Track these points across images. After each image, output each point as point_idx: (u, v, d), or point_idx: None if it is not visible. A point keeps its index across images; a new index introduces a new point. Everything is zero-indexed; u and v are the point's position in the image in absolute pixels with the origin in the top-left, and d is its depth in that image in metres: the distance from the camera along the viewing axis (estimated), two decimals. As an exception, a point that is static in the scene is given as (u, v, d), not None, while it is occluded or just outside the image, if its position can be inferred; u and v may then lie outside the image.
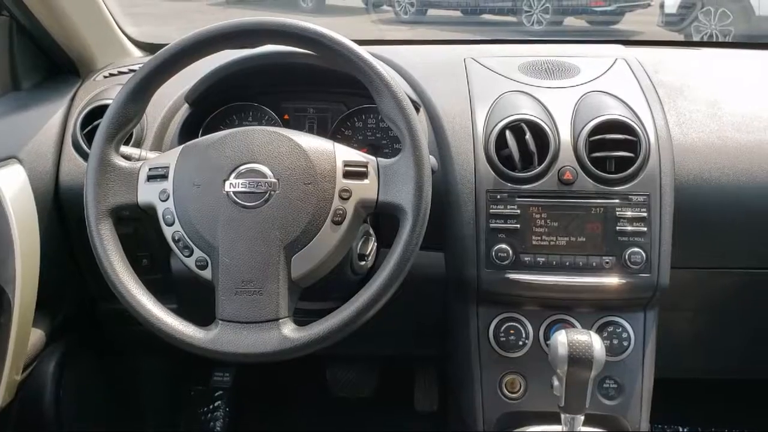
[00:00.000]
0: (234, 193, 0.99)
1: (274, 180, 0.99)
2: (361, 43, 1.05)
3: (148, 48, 1.66)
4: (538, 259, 1.17)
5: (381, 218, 1.22)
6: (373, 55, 1.04)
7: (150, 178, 1.03)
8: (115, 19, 1.57)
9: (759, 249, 1.28)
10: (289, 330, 0.97)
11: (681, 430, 2.00)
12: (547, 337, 1.21)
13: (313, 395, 2.05)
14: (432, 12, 8.37)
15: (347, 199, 1.00)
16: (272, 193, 0.98)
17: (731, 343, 1.49)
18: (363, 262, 1.16)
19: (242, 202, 0.98)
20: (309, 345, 0.96)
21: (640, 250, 1.15)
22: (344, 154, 1.03)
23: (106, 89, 1.38)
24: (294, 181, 0.99)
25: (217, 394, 1.98)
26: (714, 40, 6.22)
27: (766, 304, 1.39)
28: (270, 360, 0.97)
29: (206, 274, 1.00)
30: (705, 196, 1.22)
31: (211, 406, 1.96)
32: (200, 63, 1.08)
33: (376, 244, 1.19)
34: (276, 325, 0.96)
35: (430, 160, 1.02)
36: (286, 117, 1.37)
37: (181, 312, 1.02)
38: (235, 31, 1.03)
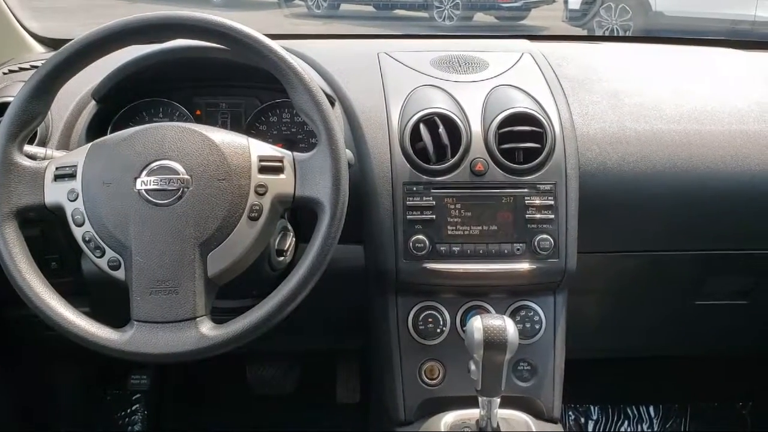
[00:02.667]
0: (146, 191, 0.96)
1: (186, 177, 0.97)
2: (273, 37, 1.04)
3: (52, 44, 1.60)
4: (454, 248, 1.20)
5: (299, 213, 1.22)
6: (286, 49, 1.04)
7: (57, 177, 1.00)
8: (13, 13, 1.50)
9: (659, 232, 1.36)
10: (206, 328, 0.95)
11: (592, 408, 2.09)
12: (463, 324, 1.24)
13: (235, 394, 2.03)
14: (345, 7, 8.38)
15: (263, 194, 0.99)
16: (185, 190, 0.97)
17: (637, 323, 1.57)
18: (281, 258, 1.16)
19: (154, 200, 0.96)
20: (227, 343, 0.96)
21: (549, 237, 1.20)
22: (259, 149, 1.02)
23: (6, 86, 1.32)
24: (207, 178, 0.98)
25: (135, 397, 1.93)
26: (614, 34, 6.49)
27: (667, 285, 1.47)
28: (188, 359, 0.95)
29: (119, 274, 0.97)
30: (607, 183, 1.28)
31: (128, 410, 1.92)
32: (108, 58, 1.05)
33: (294, 239, 1.19)
34: (193, 324, 0.95)
35: (347, 154, 1.03)
36: (198, 113, 1.34)
37: (95, 315, 0.99)
38: (143, 25, 1.01)
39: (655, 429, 2.09)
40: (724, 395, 2.10)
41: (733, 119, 1.35)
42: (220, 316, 0.99)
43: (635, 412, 2.10)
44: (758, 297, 1.50)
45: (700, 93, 1.42)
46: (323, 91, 1.04)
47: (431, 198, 1.20)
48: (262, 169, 1.00)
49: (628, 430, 2.09)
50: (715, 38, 1.83)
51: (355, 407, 1.94)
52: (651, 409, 2.10)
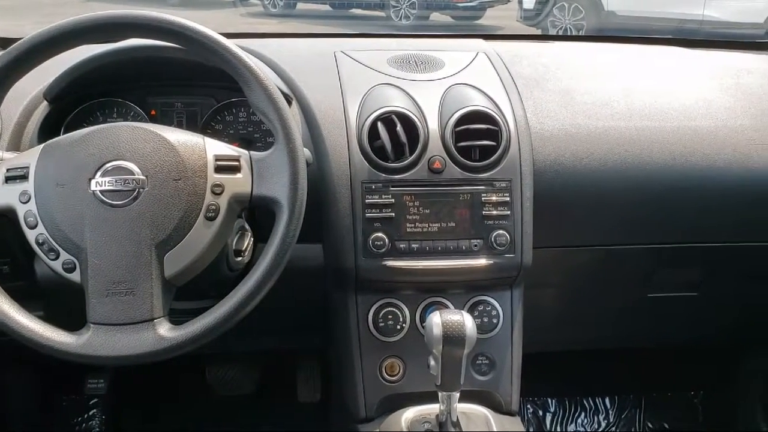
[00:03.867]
0: (101, 191, 0.95)
1: (142, 177, 0.96)
2: (229, 36, 1.04)
3: (0, 43, 1.56)
4: (413, 245, 1.21)
5: (257, 213, 1.22)
6: (242, 48, 1.03)
7: (8, 179, 0.98)
8: (-43, 11, 1.46)
9: (611, 226, 1.39)
10: (164, 329, 0.95)
11: (550, 401, 2.13)
12: (423, 320, 1.25)
13: (194, 396, 2.01)
14: (301, 6, 8.34)
15: (220, 194, 0.99)
16: (141, 190, 0.96)
17: (592, 316, 1.60)
18: (239, 258, 1.15)
19: (110, 201, 0.95)
20: (186, 344, 0.95)
21: (505, 233, 1.22)
22: (215, 148, 1.02)
23: None
24: (163, 178, 0.97)
25: (91, 402, 1.90)
26: (568, 34, 6.59)
27: (620, 278, 1.51)
28: (146, 361, 0.94)
29: (74, 276, 0.96)
30: (561, 179, 1.31)
31: (85, 416, 1.88)
32: (60, 57, 1.04)
33: (252, 239, 1.18)
34: (151, 326, 0.94)
35: (305, 153, 1.03)
36: (153, 113, 1.33)
37: (49, 318, 0.97)
38: (96, 24, 0.99)
39: (611, 420, 2.14)
40: (676, 385, 2.16)
41: (682, 116, 1.39)
42: (178, 318, 0.99)
43: (591, 404, 2.15)
44: (707, 289, 1.55)
45: (650, 90, 1.45)
46: (280, 89, 1.03)
47: (390, 196, 1.21)
48: (219, 169, 0.99)
49: (585, 421, 2.13)
50: (665, 37, 1.88)
51: (316, 406, 1.94)
52: (607, 400, 2.15)
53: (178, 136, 1.01)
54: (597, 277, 1.49)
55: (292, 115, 1.03)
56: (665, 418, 2.14)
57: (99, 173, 0.96)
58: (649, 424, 2.13)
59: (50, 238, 0.96)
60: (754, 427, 1.93)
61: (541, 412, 2.12)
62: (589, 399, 2.14)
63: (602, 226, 1.39)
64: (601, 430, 2.13)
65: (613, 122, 1.36)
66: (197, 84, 1.32)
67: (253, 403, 2.00)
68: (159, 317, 0.95)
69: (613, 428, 2.13)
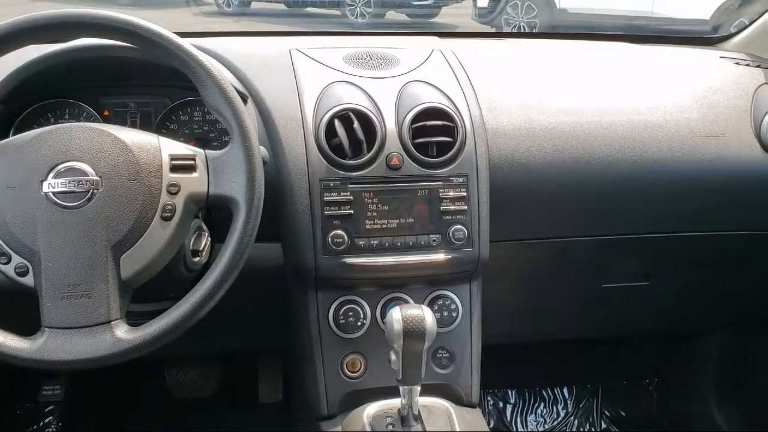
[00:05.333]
0: (53, 193, 0.94)
1: (96, 178, 0.95)
2: (183, 35, 1.03)
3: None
4: (372, 242, 1.22)
5: (214, 212, 1.21)
6: (196, 46, 1.02)
7: None
8: None
9: (565, 219, 1.42)
10: (122, 332, 0.94)
11: (510, 392, 2.16)
12: (383, 316, 1.25)
13: (154, 400, 1.98)
14: (256, 4, 8.27)
15: (176, 193, 0.98)
16: (95, 191, 0.95)
17: (548, 308, 1.63)
18: (197, 259, 1.14)
19: (63, 203, 0.94)
20: (144, 345, 0.94)
21: (462, 227, 1.24)
22: (170, 147, 1.01)
23: None
24: (117, 178, 0.96)
25: (47, 409, 1.86)
26: (521, 31, 6.67)
27: (574, 269, 1.54)
28: (104, 364, 0.93)
29: (27, 280, 0.94)
30: (516, 174, 1.33)
31: (41, 423, 1.84)
32: (8, 57, 1.01)
33: (209, 239, 1.18)
34: (108, 328, 0.93)
35: (261, 151, 1.02)
36: (106, 113, 1.31)
37: (1, 324, 0.95)
38: (46, 23, 0.98)
39: (569, 409, 2.18)
40: (631, 373, 2.21)
41: (631, 110, 1.43)
42: (137, 320, 0.97)
43: (550, 394, 2.19)
44: (658, 278, 1.59)
45: (600, 86, 1.49)
46: (235, 88, 1.03)
47: (348, 193, 1.21)
48: (174, 168, 0.99)
49: (544, 411, 2.17)
50: (614, 33, 1.93)
51: (278, 406, 1.93)
52: (565, 390, 2.19)
53: (132, 136, 0.99)
54: (552, 270, 1.52)
55: (248, 113, 1.03)
56: (621, 405, 2.19)
57: (51, 175, 0.95)
58: (606, 412, 2.18)
59: (1, 242, 0.94)
60: (706, 410, 1.99)
61: (501, 404, 2.16)
62: (548, 389, 2.18)
63: (556, 219, 1.42)
64: (559, 419, 2.17)
65: (566, 117, 1.39)
66: (151, 84, 1.30)
67: (214, 406, 1.98)
68: (116, 319, 0.94)
69: (572, 417, 2.17)
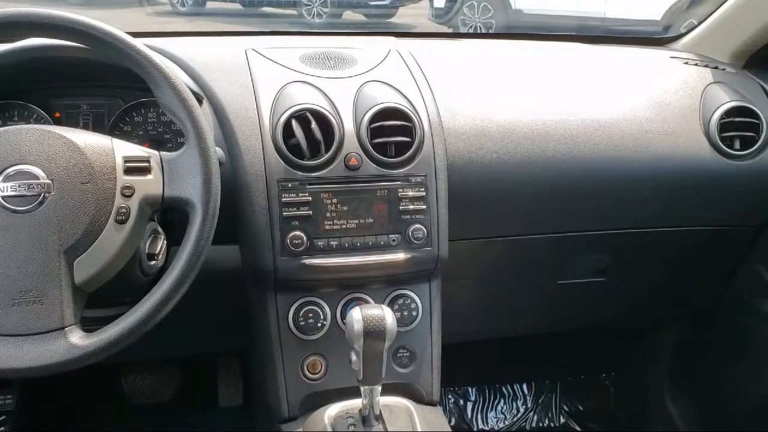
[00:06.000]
0: (3, 197, 0.92)
1: (47, 181, 0.93)
2: (136, 35, 1.01)
3: None
4: (332, 242, 1.21)
5: (170, 215, 1.20)
6: (150, 47, 1.01)
7: None
8: None
9: (522, 218, 1.44)
10: (76, 338, 0.92)
11: (470, 389, 2.18)
12: (344, 316, 1.25)
13: (111, 406, 1.95)
14: (211, 4, 8.17)
15: (130, 196, 0.96)
16: (46, 195, 0.93)
17: (507, 305, 1.65)
18: (153, 262, 1.12)
19: (13, 207, 0.91)
20: (100, 351, 0.92)
21: (422, 227, 1.24)
22: (124, 149, 0.99)
23: None
24: (70, 181, 0.94)
25: (-1, 419, 1.81)
26: (478, 32, 6.74)
27: (532, 267, 1.56)
28: (58, 371, 0.91)
29: None
30: (474, 173, 1.34)
31: (-8, 434, 1.79)
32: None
33: (165, 242, 1.16)
34: (62, 334, 0.91)
35: (217, 152, 1.01)
36: (57, 115, 1.28)
37: None
38: None
39: (529, 405, 2.21)
40: (589, 368, 2.25)
41: (585, 109, 1.45)
42: (92, 326, 0.96)
43: (510, 391, 2.21)
44: (613, 274, 1.62)
45: (555, 86, 1.51)
46: (190, 88, 1.02)
47: (307, 194, 1.20)
48: (128, 170, 0.97)
49: (504, 408, 2.20)
50: (568, 34, 1.95)
51: (238, 409, 1.91)
52: (524, 386, 2.22)
53: (84, 138, 0.98)
54: (510, 267, 1.54)
55: (204, 114, 1.02)
56: (579, 400, 2.23)
57: (0, 178, 0.92)
58: (565, 407, 2.22)
59: None
60: (661, 403, 2.04)
61: (462, 401, 2.17)
62: (508, 386, 2.21)
63: (514, 217, 1.44)
64: (519, 415, 2.20)
65: (521, 117, 1.41)
66: (104, 84, 1.28)
67: (173, 411, 1.95)
68: (70, 325, 0.92)
69: (531, 413, 2.20)
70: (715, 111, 1.51)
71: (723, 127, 1.50)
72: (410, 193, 1.24)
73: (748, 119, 1.51)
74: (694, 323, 1.92)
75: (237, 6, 7.93)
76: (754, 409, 1.72)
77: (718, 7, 1.71)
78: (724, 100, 1.53)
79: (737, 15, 1.67)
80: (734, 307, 1.77)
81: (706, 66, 1.65)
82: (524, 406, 2.20)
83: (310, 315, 1.25)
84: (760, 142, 1.50)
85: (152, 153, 1.00)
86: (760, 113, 1.52)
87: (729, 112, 1.51)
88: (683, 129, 1.49)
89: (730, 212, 1.57)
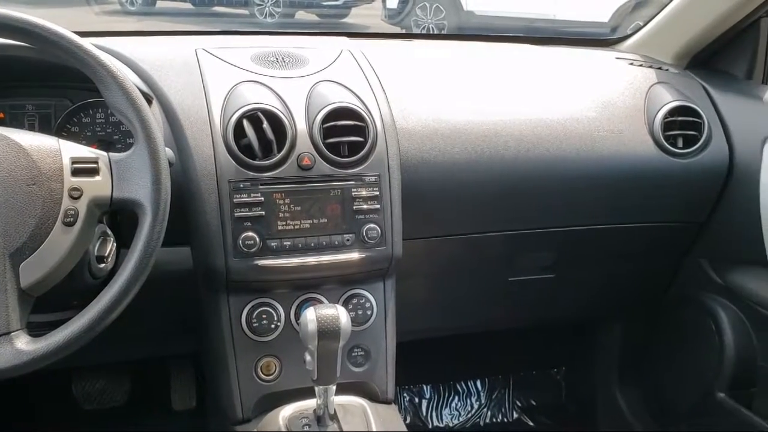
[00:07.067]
0: None
1: None
2: (83, 35, 1.00)
3: None
4: (285, 243, 1.21)
5: (119, 217, 1.18)
6: (97, 46, 0.99)
7: None
8: None
9: (474, 216, 1.46)
10: (23, 343, 0.90)
11: (425, 387, 2.20)
12: (298, 317, 1.25)
13: (62, 412, 1.90)
14: (161, 3, 8.05)
15: (78, 198, 0.95)
16: None
17: (460, 302, 1.67)
18: (102, 265, 1.10)
19: None
20: (47, 356, 0.91)
21: (376, 226, 1.25)
22: (71, 150, 0.97)
23: None
24: (15, 183, 0.92)
25: (-57, 429, 1.76)
26: (430, 32, 6.78)
27: (483, 264, 1.58)
28: (4, 377, 0.89)
29: None
30: (427, 173, 1.35)
31: (-65, 444, 1.74)
32: None
33: (115, 244, 1.14)
34: (7, 339, 0.89)
35: (167, 153, 1.00)
36: (1, 116, 1.25)
37: None
38: None
39: (483, 401, 2.24)
40: (540, 363, 2.29)
41: (534, 109, 1.48)
42: (39, 331, 0.94)
43: (464, 387, 2.24)
44: (561, 271, 1.66)
45: (506, 86, 1.54)
46: (139, 89, 1.00)
47: (259, 194, 1.20)
48: (76, 172, 0.96)
49: (459, 405, 2.22)
50: (518, 35, 1.99)
51: (191, 413, 1.89)
52: (478, 382, 2.24)
53: (30, 139, 0.96)
54: (463, 265, 1.55)
55: (153, 114, 1.00)
56: (531, 395, 2.27)
57: None
58: (518, 402, 2.25)
59: None
60: (610, 395, 2.09)
61: (417, 399, 2.19)
62: (462, 383, 2.23)
63: (466, 216, 1.46)
64: (473, 411, 2.22)
65: (472, 117, 1.43)
66: (50, 85, 1.25)
67: (124, 415, 1.92)
68: (16, 330, 0.90)
69: (485, 409, 2.23)
70: (659, 110, 1.55)
71: (667, 126, 1.54)
72: (364, 193, 1.25)
73: (691, 118, 1.56)
74: (640, 317, 1.97)
75: (188, 5, 7.83)
76: (696, 398, 1.78)
77: (662, 10, 1.76)
78: (668, 100, 1.57)
79: (680, 18, 1.72)
80: (678, 300, 1.82)
81: (651, 67, 1.70)
82: (478, 403, 2.23)
83: (264, 316, 1.24)
84: (701, 141, 1.55)
85: (100, 154, 0.98)
86: (701, 112, 1.57)
87: (672, 112, 1.55)
88: (629, 128, 1.53)
89: (674, 209, 1.62)
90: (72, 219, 0.94)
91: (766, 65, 1.68)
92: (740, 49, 1.68)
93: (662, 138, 1.53)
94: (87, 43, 0.97)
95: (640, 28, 1.85)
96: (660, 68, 1.69)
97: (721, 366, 1.69)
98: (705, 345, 1.73)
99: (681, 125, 1.55)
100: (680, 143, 1.55)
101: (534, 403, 2.26)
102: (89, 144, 1.11)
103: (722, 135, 1.58)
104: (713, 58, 1.73)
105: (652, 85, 1.62)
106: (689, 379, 1.82)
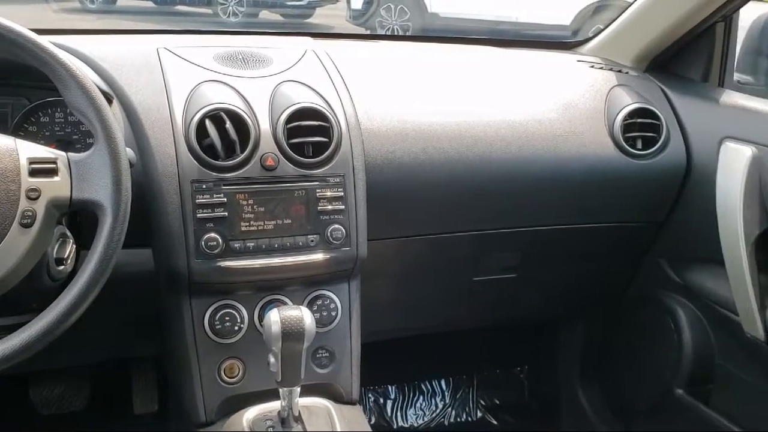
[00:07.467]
0: None
1: None
2: (41, 32, 0.98)
3: None
4: (248, 244, 1.20)
5: (79, 218, 1.16)
6: (56, 44, 0.98)
7: None
8: None
9: (438, 217, 1.47)
10: None
11: (390, 388, 2.20)
12: (261, 319, 1.24)
13: (17, 419, 1.86)
14: (122, 1, 7.94)
15: (36, 199, 0.93)
16: None
17: (425, 302, 1.68)
18: (61, 267, 1.08)
19: None
20: (4, 361, 0.89)
21: (340, 227, 1.24)
22: (29, 150, 0.95)
23: None
24: None
25: None
26: (395, 34, 6.81)
27: (448, 264, 1.59)
28: None
29: None
30: (392, 174, 1.36)
31: None
32: None
33: (74, 246, 1.12)
34: None
35: (128, 153, 0.99)
36: None
37: None
38: None
39: (447, 401, 2.25)
40: (504, 362, 2.31)
41: (497, 111, 1.50)
42: None
43: (428, 387, 2.25)
44: (524, 271, 1.68)
45: (469, 88, 1.55)
46: (99, 88, 0.99)
47: (222, 195, 1.19)
48: (34, 172, 0.94)
49: (423, 404, 2.23)
50: (481, 38, 2.00)
51: (154, 416, 1.86)
52: (443, 382, 2.26)
53: None
54: (428, 265, 1.56)
55: (113, 114, 0.99)
56: (495, 394, 2.29)
57: None
58: (482, 401, 2.27)
59: None
60: (572, 393, 2.11)
61: (381, 400, 2.19)
62: (427, 382, 2.24)
63: (431, 216, 1.46)
64: (438, 411, 2.23)
65: (436, 118, 1.43)
66: (7, 83, 1.22)
67: (84, 420, 1.88)
68: None
69: (449, 408, 2.24)
70: (619, 112, 1.58)
71: (626, 127, 1.57)
72: (328, 194, 1.25)
73: (650, 120, 1.59)
74: (601, 316, 2.00)
75: (149, 4, 7.73)
76: (655, 395, 1.81)
77: (622, 14, 1.79)
78: (627, 102, 1.60)
79: (639, 21, 1.75)
80: (638, 299, 1.86)
81: (611, 69, 1.72)
82: (442, 402, 2.24)
83: (227, 318, 1.23)
84: (660, 142, 1.58)
85: (59, 154, 0.97)
86: (660, 114, 1.60)
87: (632, 114, 1.58)
88: (589, 130, 1.55)
89: (634, 209, 1.65)
90: (30, 220, 0.92)
91: (721, 68, 1.72)
92: (697, 53, 1.72)
93: (622, 140, 1.56)
94: (45, 40, 0.96)
95: (601, 31, 1.88)
96: (620, 71, 1.72)
97: (680, 363, 1.72)
98: (664, 343, 1.76)
99: (640, 127, 1.58)
100: (639, 145, 1.58)
101: (497, 402, 2.28)
102: (48, 144, 1.08)
103: (680, 137, 1.61)
104: (671, 62, 1.77)
105: (612, 88, 1.64)
106: (649, 377, 1.85)
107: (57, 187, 0.95)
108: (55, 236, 1.06)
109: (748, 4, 1.61)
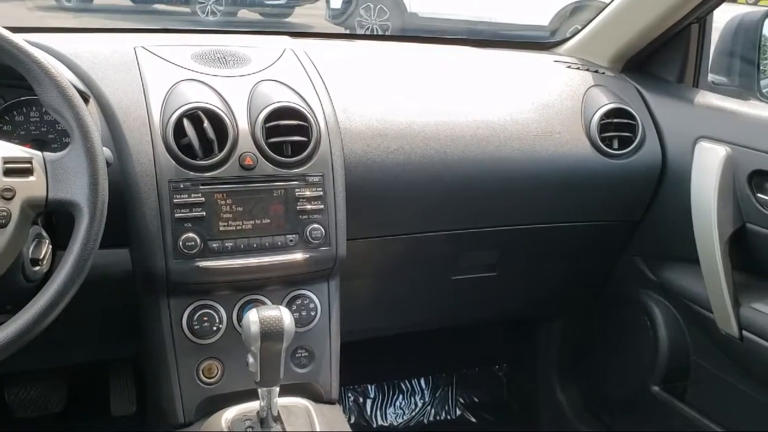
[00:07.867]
0: None
1: None
2: (16, 30, 0.97)
3: None
4: (227, 244, 1.20)
5: (55, 218, 1.15)
6: (31, 43, 0.97)
7: None
8: None
9: (417, 216, 1.47)
10: None
11: (369, 387, 2.20)
12: (240, 319, 1.23)
13: None
14: (99, 0, 7.87)
15: (11, 199, 0.92)
16: None
17: (404, 301, 1.68)
18: (37, 268, 1.07)
19: None
20: None
21: (320, 226, 1.24)
22: (3, 150, 0.94)
23: None
24: None
25: None
26: (374, 33, 6.81)
27: (427, 263, 1.60)
28: None
29: None
30: (371, 173, 1.36)
31: None
32: None
33: (50, 246, 1.11)
34: None
35: (105, 152, 0.98)
36: None
37: None
38: None
39: (426, 399, 2.26)
40: (483, 360, 2.33)
41: (475, 111, 1.51)
42: None
43: (408, 386, 2.25)
44: (503, 270, 1.69)
45: (447, 88, 1.56)
46: (75, 87, 0.98)
47: (200, 194, 1.18)
48: (8, 172, 0.93)
49: (403, 403, 2.23)
50: (460, 38, 2.01)
51: (132, 418, 1.85)
52: (422, 380, 2.26)
53: None
54: (407, 264, 1.57)
55: (90, 113, 0.98)
56: (474, 392, 2.30)
57: None
58: (461, 399, 2.28)
59: None
60: (550, 391, 2.13)
61: (361, 399, 2.19)
62: (406, 381, 2.25)
63: (410, 216, 1.47)
64: (417, 409, 2.24)
65: (416, 118, 1.44)
66: None
67: (61, 423, 1.86)
68: None
69: (429, 407, 2.25)
70: (595, 113, 1.59)
71: (603, 127, 1.58)
72: (307, 193, 1.25)
73: (626, 120, 1.61)
74: (579, 315, 2.02)
75: (127, 2, 7.67)
76: (632, 392, 1.83)
77: (598, 15, 1.81)
78: (604, 103, 1.61)
79: (615, 22, 1.77)
80: (615, 297, 1.88)
81: (588, 70, 1.74)
82: (422, 401, 2.25)
83: (205, 319, 1.22)
84: (636, 142, 1.60)
85: (34, 153, 0.96)
86: (636, 115, 1.62)
87: (608, 114, 1.60)
88: (566, 130, 1.57)
89: (610, 208, 1.67)
90: (4, 221, 0.91)
91: (696, 69, 1.74)
92: (672, 54, 1.74)
93: (598, 139, 1.57)
94: (19, 38, 0.95)
95: (578, 31, 1.89)
96: (596, 71, 1.74)
97: (656, 360, 1.74)
98: (640, 341, 1.78)
99: (616, 127, 1.60)
100: (615, 144, 1.60)
101: (477, 400, 2.29)
102: (23, 143, 1.07)
103: (655, 136, 1.63)
104: (647, 62, 1.79)
105: (588, 88, 1.66)
106: (625, 374, 1.87)
107: (32, 186, 0.94)
108: (31, 236, 1.04)
109: (722, 6, 1.64)
